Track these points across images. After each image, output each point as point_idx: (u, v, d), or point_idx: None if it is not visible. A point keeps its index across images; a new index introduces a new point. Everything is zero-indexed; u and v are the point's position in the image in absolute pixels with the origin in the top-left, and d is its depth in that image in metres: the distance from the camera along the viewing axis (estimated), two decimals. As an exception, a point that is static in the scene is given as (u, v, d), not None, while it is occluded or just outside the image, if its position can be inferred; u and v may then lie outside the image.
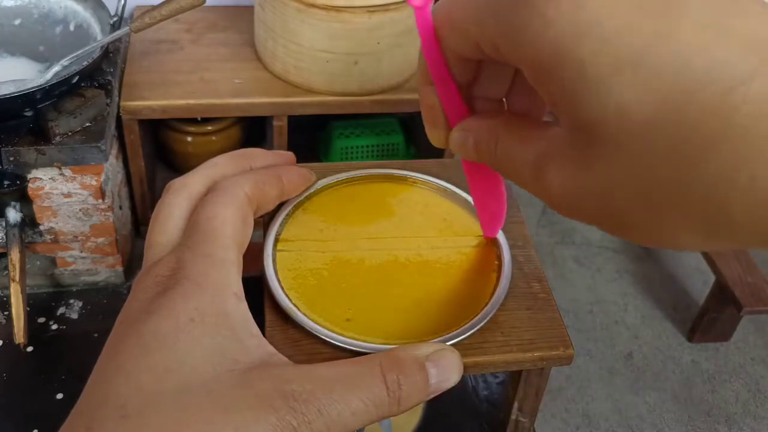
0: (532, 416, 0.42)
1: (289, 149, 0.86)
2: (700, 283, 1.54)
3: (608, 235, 1.63)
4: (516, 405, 0.41)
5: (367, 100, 0.79)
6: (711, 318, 1.42)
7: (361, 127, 0.93)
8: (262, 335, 0.30)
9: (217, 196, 0.33)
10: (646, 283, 1.56)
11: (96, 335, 0.70)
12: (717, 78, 0.20)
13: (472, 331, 0.35)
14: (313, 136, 0.97)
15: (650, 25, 0.21)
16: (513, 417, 0.42)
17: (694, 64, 0.20)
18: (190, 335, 0.28)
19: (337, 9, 0.72)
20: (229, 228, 0.32)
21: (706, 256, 1.39)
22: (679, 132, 0.20)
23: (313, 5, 0.72)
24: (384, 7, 0.72)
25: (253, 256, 0.36)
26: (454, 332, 0.35)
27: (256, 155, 0.39)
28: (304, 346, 0.34)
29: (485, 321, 0.36)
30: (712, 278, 1.38)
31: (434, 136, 0.33)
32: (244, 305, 0.30)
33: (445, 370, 0.31)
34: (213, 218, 0.32)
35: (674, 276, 1.58)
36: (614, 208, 0.23)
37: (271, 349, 0.30)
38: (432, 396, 0.30)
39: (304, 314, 0.35)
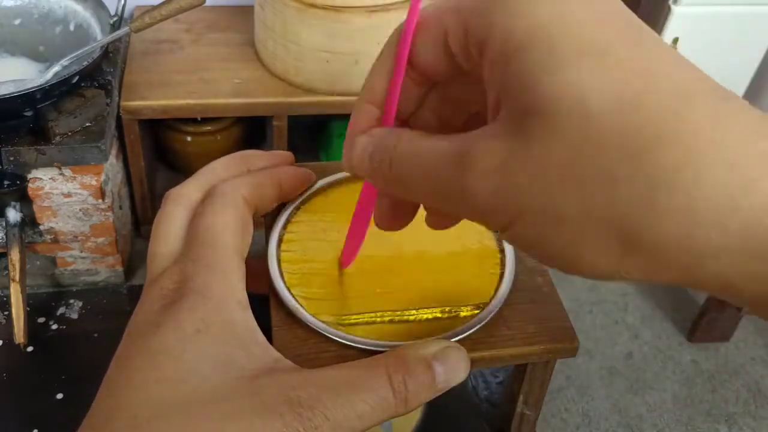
0: (537, 409, 0.42)
1: (289, 149, 0.86)
2: (700, 283, 1.54)
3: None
4: (521, 398, 0.41)
5: (367, 100, 0.79)
6: (711, 318, 1.42)
7: (361, 127, 0.92)
8: (267, 342, 0.30)
9: (215, 203, 0.33)
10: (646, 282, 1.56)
11: (96, 335, 0.70)
12: (676, 84, 0.21)
13: (478, 326, 0.35)
14: (313, 136, 0.96)
15: (622, 26, 0.22)
16: (518, 410, 0.42)
17: (656, 70, 0.21)
18: (197, 346, 0.28)
19: (337, 9, 0.72)
20: (229, 236, 0.32)
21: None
22: (631, 122, 0.20)
23: (313, 5, 0.72)
24: (384, 7, 0.72)
25: (256, 275, 0.36)
26: (460, 328, 0.35)
27: (254, 157, 0.39)
28: (311, 344, 0.34)
29: (491, 316, 0.36)
30: (712, 278, 1.38)
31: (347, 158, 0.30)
32: (249, 313, 0.31)
33: (452, 368, 0.31)
34: (212, 227, 0.32)
35: (674, 276, 1.58)
36: (541, 197, 0.22)
37: (276, 354, 0.30)
38: (439, 394, 0.31)
39: (310, 313, 0.35)
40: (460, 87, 0.29)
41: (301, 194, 0.41)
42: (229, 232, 0.32)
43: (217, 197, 0.34)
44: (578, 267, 0.22)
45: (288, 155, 0.41)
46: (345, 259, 0.39)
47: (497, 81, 0.23)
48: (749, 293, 0.20)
